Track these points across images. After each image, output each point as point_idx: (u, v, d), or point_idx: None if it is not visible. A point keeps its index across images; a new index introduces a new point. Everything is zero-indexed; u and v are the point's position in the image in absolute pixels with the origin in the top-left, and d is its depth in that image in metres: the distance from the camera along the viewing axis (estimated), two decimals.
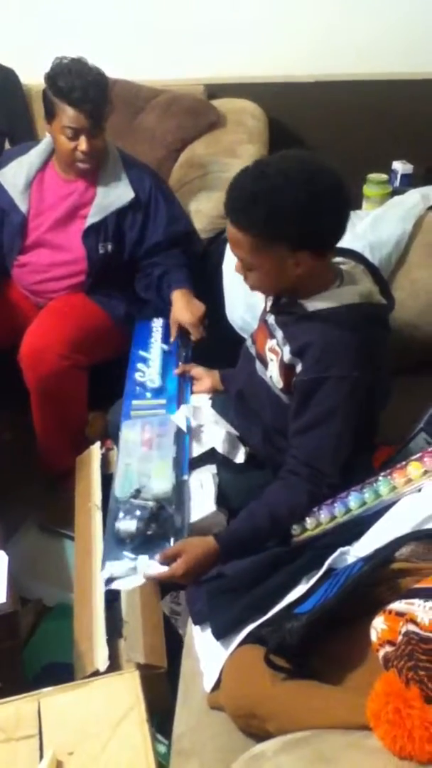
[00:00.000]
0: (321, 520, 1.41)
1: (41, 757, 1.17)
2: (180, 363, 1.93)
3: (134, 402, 1.84)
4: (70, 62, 1.93)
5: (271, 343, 1.49)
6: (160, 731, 1.44)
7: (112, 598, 1.60)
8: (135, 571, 1.48)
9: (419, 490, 1.31)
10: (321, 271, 1.41)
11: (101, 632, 1.52)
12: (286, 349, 1.43)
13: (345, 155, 2.82)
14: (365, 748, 0.89)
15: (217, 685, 1.21)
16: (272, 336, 1.49)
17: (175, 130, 2.56)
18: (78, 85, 1.87)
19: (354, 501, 1.39)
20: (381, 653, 0.96)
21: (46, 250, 2.12)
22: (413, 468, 1.36)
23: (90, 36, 2.69)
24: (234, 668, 1.18)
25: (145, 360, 1.96)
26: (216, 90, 2.74)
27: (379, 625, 0.97)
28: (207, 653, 1.27)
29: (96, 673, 1.45)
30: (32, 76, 2.55)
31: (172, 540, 1.49)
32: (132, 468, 1.64)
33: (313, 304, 1.41)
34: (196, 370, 1.86)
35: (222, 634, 1.23)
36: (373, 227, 1.89)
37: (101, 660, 1.46)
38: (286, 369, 1.45)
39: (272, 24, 2.69)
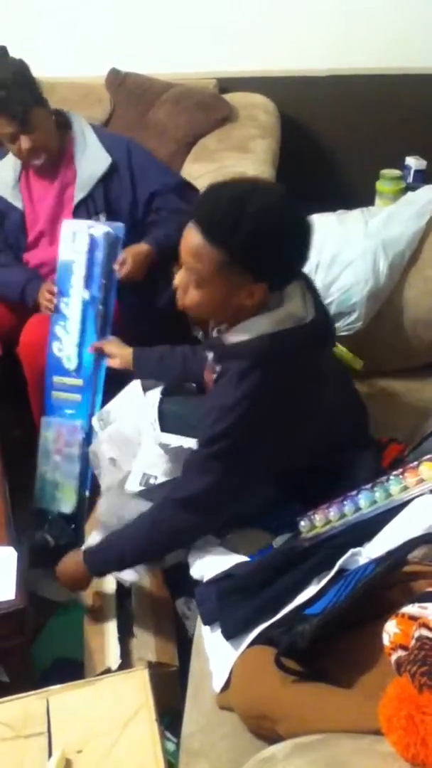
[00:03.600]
0: (330, 517, 1.40)
1: (50, 755, 1.17)
2: (99, 319, 1.89)
3: (55, 379, 1.93)
4: None
5: (215, 376, 1.46)
6: (169, 729, 1.44)
7: (124, 595, 1.61)
8: None
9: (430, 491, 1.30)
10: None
11: (113, 631, 1.52)
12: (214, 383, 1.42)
13: (358, 150, 2.82)
14: (377, 753, 0.88)
15: (226, 686, 1.21)
16: (214, 371, 1.46)
17: (187, 124, 2.55)
18: None
19: (364, 500, 1.38)
20: (393, 657, 0.95)
21: (46, 242, 2.12)
22: (426, 468, 1.35)
23: (101, 30, 2.68)
24: (244, 669, 1.17)
25: (65, 319, 1.92)
26: (228, 84, 2.72)
27: (391, 628, 0.96)
28: (216, 653, 1.26)
29: (107, 671, 1.45)
30: (40, 71, 2.53)
31: None
32: (47, 477, 1.96)
33: (231, 338, 1.36)
34: (109, 347, 1.81)
35: (232, 634, 1.22)
36: (386, 224, 1.87)
37: (113, 658, 1.46)
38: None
39: (285, 18, 2.67)
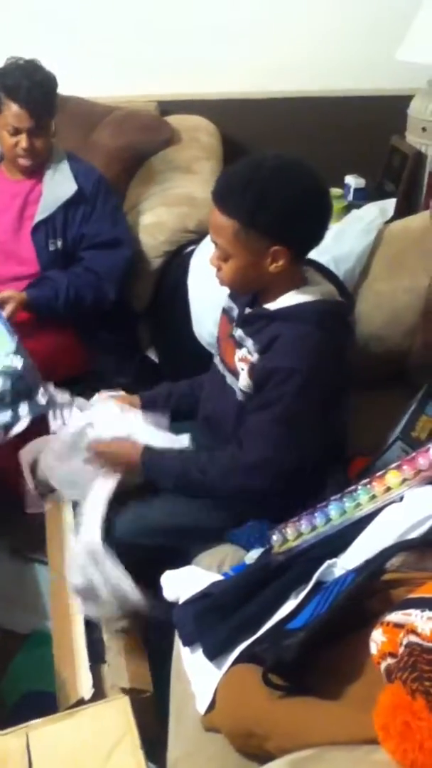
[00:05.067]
0: (302, 530, 1.41)
1: None
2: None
3: None
4: (23, 62, 2.01)
5: (240, 353, 1.50)
6: (148, 757, 1.41)
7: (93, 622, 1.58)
8: None
9: (401, 499, 1.33)
10: (291, 274, 1.44)
11: (83, 659, 1.48)
12: (256, 354, 1.45)
13: None
14: (374, 763, 0.89)
15: (211, 707, 1.20)
16: (241, 346, 1.50)
17: (130, 146, 2.55)
18: (24, 84, 1.95)
19: (334, 510, 1.40)
20: (383, 666, 0.96)
21: (1, 258, 2.10)
22: (392, 476, 1.38)
23: (41, 53, 2.66)
24: (229, 688, 1.16)
25: None
26: (168, 107, 2.75)
27: (378, 637, 0.97)
28: (198, 674, 1.25)
29: (81, 701, 1.42)
30: None
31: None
32: None
33: (279, 304, 1.45)
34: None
35: (214, 654, 1.21)
36: (335, 241, 1.91)
37: (85, 688, 1.43)
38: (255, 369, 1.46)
39: (223, 42, 2.72)
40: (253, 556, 1.45)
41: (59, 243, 2.09)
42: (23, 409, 1.75)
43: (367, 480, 1.40)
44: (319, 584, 1.23)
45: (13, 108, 1.96)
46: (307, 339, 1.39)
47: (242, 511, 1.53)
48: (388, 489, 1.37)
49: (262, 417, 1.43)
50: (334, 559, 1.27)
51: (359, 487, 1.40)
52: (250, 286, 1.47)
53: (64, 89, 2.65)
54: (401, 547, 1.16)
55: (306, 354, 1.38)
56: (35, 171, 2.09)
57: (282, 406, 1.40)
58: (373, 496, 1.38)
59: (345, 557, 1.27)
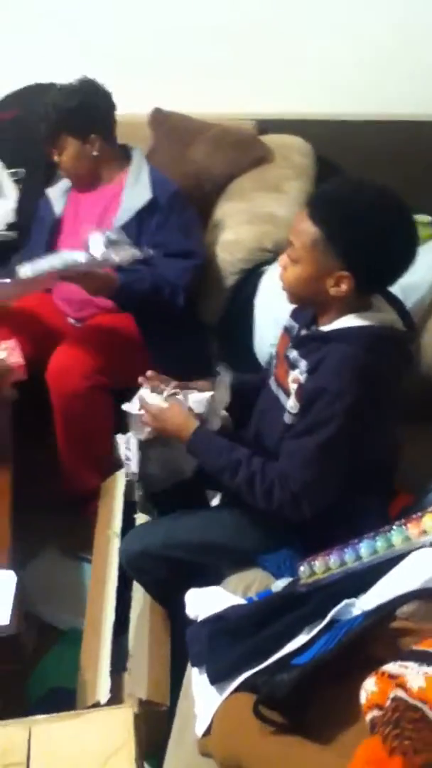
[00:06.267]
0: (330, 564, 1.37)
1: None
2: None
3: None
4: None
5: (293, 374, 1.48)
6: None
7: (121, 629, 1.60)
8: None
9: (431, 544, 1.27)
10: (353, 300, 1.42)
11: (106, 664, 1.51)
12: (305, 374, 1.44)
13: None
14: None
15: (208, 731, 1.19)
16: (294, 367, 1.48)
17: (223, 163, 2.58)
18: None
19: (365, 548, 1.35)
20: (369, 716, 0.92)
21: None
22: (429, 519, 1.32)
23: (144, 70, 2.75)
24: (225, 716, 1.15)
25: None
26: (268, 126, 2.76)
27: (369, 687, 0.94)
28: (202, 696, 1.24)
29: (96, 704, 1.44)
30: None
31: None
32: None
33: (332, 326, 1.44)
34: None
35: (217, 679, 1.20)
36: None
37: (103, 692, 1.46)
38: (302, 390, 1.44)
39: (325, 62, 2.70)
40: (280, 584, 1.42)
41: (147, 251, 2.13)
42: None
43: (403, 521, 1.35)
44: (333, 622, 1.20)
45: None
46: (352, 361, 1.37)
47: (275, 535, 1.51)
48: (424, 532, 1.31)
49: (309, 441, 1.40)
50: (353, 599, 1.23)
51: (394, 527, 1.35)
52: (306, 298, 1.47)
53: (165, 105, 2.76)
54: (416, 594, 1.11)
55: (350, 376, 1.36)
56: (84, 186, 2.21)
57: (332, 428, 1.36)
58: (407, 538, 1.32)
59: (365, 597, 1.22)
